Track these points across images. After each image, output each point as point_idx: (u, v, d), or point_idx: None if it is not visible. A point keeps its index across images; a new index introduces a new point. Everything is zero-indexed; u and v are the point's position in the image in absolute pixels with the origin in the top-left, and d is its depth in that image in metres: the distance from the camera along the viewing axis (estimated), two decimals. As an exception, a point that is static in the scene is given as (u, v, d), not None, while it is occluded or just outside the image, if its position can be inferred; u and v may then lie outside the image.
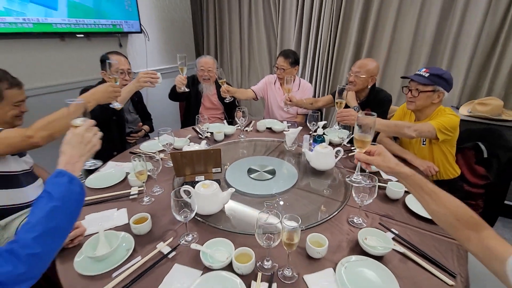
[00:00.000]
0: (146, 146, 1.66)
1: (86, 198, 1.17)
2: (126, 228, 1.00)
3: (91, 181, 1.30)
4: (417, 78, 1.43)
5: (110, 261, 0.86)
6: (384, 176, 1.35)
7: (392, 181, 1.26)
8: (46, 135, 1.09)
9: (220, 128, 1.88)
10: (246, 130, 1.97)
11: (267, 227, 0.77)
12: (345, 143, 1.69)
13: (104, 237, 0.91)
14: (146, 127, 2.13)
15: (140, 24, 2.70)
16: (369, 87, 1.85)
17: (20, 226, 1.26)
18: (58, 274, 0.83)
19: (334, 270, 0.83)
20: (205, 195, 1.01)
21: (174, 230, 1.01)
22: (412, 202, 1.13)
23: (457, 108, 2.33)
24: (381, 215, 1.09)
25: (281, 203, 1.17)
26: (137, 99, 2.09)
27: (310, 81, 3.04)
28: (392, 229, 1.00)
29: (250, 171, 1.39)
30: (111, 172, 1.37)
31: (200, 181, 1.18)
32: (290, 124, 2.04)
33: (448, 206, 0.72)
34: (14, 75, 1.26)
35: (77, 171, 0.74)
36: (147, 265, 0.86)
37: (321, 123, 1.53)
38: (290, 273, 0.83)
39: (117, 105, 1.33)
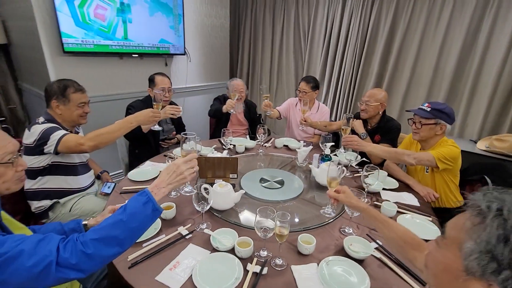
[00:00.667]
0: (178, 151, 1.95)
1: (127, 187, 1.46)
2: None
3: (132, 175, 1.59)
4: (420, 112, 1.57)
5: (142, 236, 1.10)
6: (383, 196, 1.49)
7: (388, 201, 1.39)
8: (92, 145, 1.41)
9: (242, 142, 2.13)
10: (265, 146, 2.19)
11: (262, 221, 0.97)
12: (353, 164, 1.84)
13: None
14: (179, 136, 2.45)
15: (185, 47, 3.13)
16: (380, 113, 2.00)
17: (73, 206, 1.58)
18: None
19: (318, 265, 0.99)
20: (220, 193, 1.24)
21: (193, 219, 1.24)
22: (402, 222, 1.25)
23: (475, 142, 2.36)
24: (370, 229, 1.23)
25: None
26: None
27: (332, 107, 3.22)
28: (377, 241, 1.14)
29: (262, 180, 1.60)
30: (148, 169, 1.66)
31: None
32: (305, 143, 2.23)
33: (396, 232, 0.89)
34: (85, 84, 1.63)
35: (160, 195, 0.84)
36: (169, 241, 1.09)
37: (328, 144, 1.71)
38: (281, 262, 1.01)
39: (157, 127, 1.65)
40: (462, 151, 1.56)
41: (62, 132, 1.41)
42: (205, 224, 1.20)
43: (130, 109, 2.08)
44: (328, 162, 1.57)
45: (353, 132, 2.12)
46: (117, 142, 2.21)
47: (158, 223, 1.17)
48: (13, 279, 0.65)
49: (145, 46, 2.77)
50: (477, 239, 0.46)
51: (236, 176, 1.53)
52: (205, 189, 1.16)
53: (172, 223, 1.21)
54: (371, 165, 1.39)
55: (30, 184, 1.47)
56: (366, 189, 1.36)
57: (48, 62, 2.25)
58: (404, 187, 1.63)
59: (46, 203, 1.51)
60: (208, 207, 1.14)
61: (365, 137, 2.00)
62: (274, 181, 1.59)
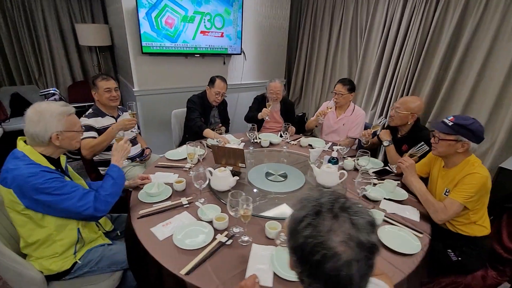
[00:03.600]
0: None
1: (161, 162, 1.87)
2: (171, 184, 1.60)
3: (169, 154, 1.99)
4: (439, 126, 1.44)
5: (154, 198, 1.46)
6: (383, 205, 1.48)
7: (376, 209, 1.39)
8: (87, 153, 1.83)
9: (267, 137, 2.32)
10: (291, 143, 2.32)
11: (233, 201, 1.18)
12: (369, 171, 1.83)
13: (157, 184, 1.53)
14: (223, 128, 2.79)
15: (241, 48, 3.45)
16: (409, 123, 1.88)
17: (126, 172, 2.08)
18: (130, 200, 1.48)
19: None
20: (218, 176, 1.49)
21: (196, 194, 1.53)
22: (382, 232, 1.26)
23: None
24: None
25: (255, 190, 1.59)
26: (223, 108, 2.76)
27: (382, 112, 3.05)
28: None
29: (268, 174, 1.77)
30: (180, 151, 2.04)
31: (231, 170, 1.68)
32: (330, 145, 2.26)
33: None
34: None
35: (121, 165, 1.41)
36: (171, 206, 1.41)
37: (336, 147, 1.75)
38: (246, 239, 1.20)
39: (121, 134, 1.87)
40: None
41: (84, 135, 1.81)
42: (202, 199, 1.47)
43: (189, 102, 2.50)
44: (330, 164, 1.64)
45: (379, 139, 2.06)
46: (172, 128, 2.71)
47: (168, 192, 1.51)
48: (64, 210, 1.15)
49: (206, 47, 3.21)
50: None
51: (244, 166, 1.75)
52: (209, 171, 1.44)
53: (181, 194, 1.53)
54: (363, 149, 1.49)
55: (98, 156, 2.01)
56: (360, 171, 1.50)
57: (131, 60, 2.90)
58: (414, 201, 1.55)
59: (106, 169, 2.06)
60: (204, 185, 1.41)
61: (387, 145, 1.92)
62: (278, 175, 1.76)
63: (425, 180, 1.71)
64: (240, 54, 3.49)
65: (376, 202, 1.52)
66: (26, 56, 3.70)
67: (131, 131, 2.09)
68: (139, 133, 2.40)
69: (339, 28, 3.50)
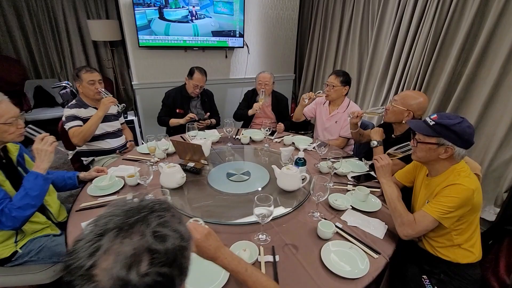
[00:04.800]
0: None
1: (130, 156, 1.84)
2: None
3: (140, 148, 1.96)
4: (417, 125, 1.20)
5: (103, 191, 1.42)
6: (346, 216, 1.28)
7: (328, 221, 1.20)
8: (76, 142, 1.88)
9: (249, 134, 2.18)
10: (272, 140, 2.16)
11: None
12: (348, 176, 1.62)
13: (109, 177, 1.49)
14: (213, 120, 2.68)
15: (244, 41, 3.32)
16: (403, 122, 1.61)
17: (104, 163, 2.09)
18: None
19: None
20: (165, 172, 1.41)
21: (146, 189, 1.46)
22: (325, 249, 1.08)
23: None
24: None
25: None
26: (207, 99, 2.69)
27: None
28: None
29: (229, 174, 1.64)
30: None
31: (191, 166, 1.59)
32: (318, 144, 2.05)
33: None
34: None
35: (43, 169, 1.22)
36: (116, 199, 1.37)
37: (302, 147, 1.56)
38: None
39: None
40: None
41: (70, 124, 1.90)
42: (150, 195, 1.40)
43: (164, 98, 2.52)
44: (291, 166, 1.47)
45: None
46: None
47: (120, 185, 1.47)
48: None
49: (206, 40, 3.14)
50: None
51: (206, 162, 1.65)
52: (161, 166, 1.38)
53: (134, 189, 1.48)
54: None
55: (81, 147, 2.04)
56: (331, 173, 1.47)
57: (130, 54, 2.95)
58: (387, 214, 1.32)
59: (88, 159, 2.09)
60: (148, 181, 1.34)
61: (375, 146, 1.68)
62: (241, 174, 1.63)
63: (410, 190, 1.46)
64: (243, 47, 3.37)
65: (339, 212, 1.32)
66: (50, 52, 3.99)
67: (114, 117, 2.14)
68: (140, 125, 2.41)
69: (350, 19, 3.19)
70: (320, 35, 3.67)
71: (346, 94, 2.20)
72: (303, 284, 0.94)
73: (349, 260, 1.04)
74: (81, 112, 1.96)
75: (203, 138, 1.95)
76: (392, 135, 1.75)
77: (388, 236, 1.19)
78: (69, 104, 1.99)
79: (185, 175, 1.46)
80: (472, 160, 1.46)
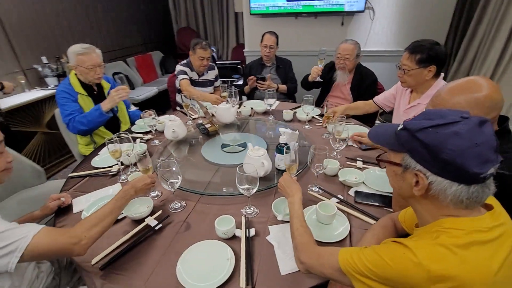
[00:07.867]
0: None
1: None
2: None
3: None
4: (378, 133, 0.67)
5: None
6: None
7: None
8: (183, 91, 2.17)
9: (250, 104, 2.15)
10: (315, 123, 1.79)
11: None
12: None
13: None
14: (282, 86, 2.45)
15: (365, 3, 2.69)
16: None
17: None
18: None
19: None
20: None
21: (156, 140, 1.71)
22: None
23: None
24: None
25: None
26: (281, 66, 2.51)
27: None
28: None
29: (225, 145, 1.57)
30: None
31: (206, 127, 1.71)
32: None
33: None
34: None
35: (105, 107, 1.65)
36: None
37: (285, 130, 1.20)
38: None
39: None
40: None
41: (181, 77, 2.29)
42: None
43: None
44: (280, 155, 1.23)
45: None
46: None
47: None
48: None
49: (317, 4, 2.82)
50: None
51: (217, 128, 1.71)
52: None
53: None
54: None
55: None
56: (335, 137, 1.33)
57: (244, 22, 3.18)
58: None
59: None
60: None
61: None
62: (237, 145, 1.56)
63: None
64: (363, 11, 2.75)
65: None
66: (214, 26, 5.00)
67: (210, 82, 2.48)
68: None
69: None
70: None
71: (437, 76, 1.40)
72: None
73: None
74: (187, 71, 2.39)
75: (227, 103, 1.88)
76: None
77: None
78: (181, 62, 2.45)
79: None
80: None
